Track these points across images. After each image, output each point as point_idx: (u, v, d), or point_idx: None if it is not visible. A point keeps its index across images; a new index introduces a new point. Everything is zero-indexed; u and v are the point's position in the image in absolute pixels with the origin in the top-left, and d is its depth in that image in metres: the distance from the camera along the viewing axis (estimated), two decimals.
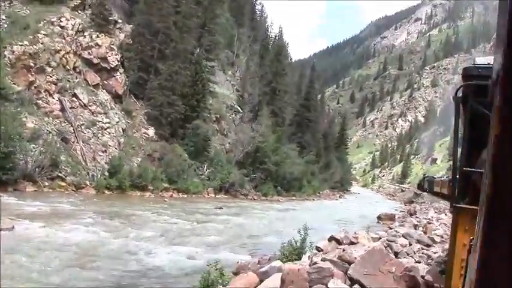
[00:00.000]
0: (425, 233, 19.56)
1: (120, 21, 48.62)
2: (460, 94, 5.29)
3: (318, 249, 15.60)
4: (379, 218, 39.37)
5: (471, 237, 3.79)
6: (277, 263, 10.68)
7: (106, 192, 35.22)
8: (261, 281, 9.89)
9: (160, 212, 27.29)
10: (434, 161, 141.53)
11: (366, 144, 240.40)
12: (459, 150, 5.31)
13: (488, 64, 5.06)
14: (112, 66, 43.61)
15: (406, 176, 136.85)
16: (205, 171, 46.71)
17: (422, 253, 13.06)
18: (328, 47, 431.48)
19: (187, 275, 13.00)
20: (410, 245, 14.87)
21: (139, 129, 44.20)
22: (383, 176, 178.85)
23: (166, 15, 47.28)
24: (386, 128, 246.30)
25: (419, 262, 11.60)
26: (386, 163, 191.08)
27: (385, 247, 12.99)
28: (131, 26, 48.80)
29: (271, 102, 66.30)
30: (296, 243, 13.84)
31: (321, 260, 10.14)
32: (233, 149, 54.85)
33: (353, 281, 8.61)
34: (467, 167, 5.09)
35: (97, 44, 42.74)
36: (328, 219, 36.78)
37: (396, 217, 42.70)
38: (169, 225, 22.43)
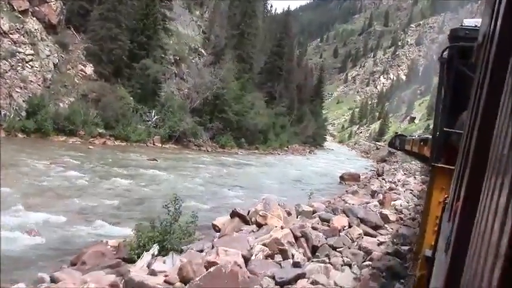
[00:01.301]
0: (382, 204, 14.84)
1: None
2: (445, 55, 5.41)
3: (215, 228, 10.72)
4: (341, 178, 35.02)
5: (446, 196, 4.22)
6: None
7: (19, 135, 29.75)
8: None
9: (67, 162, 22.07)
10: (412, 119, 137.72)
11: (346, 100, 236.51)
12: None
13: (476, 26, 5.01)
14: None
15: (383, 134, 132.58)
16: (153, 117, 41.31)
17: (358, 247, 8.20)
18: None
19: None
20: (349, 226, 10.00)
21: (75, 66, 38.31)
22: (361, 132, 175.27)
23: None
24: (367, 84, 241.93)
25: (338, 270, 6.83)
26: (365, 120, 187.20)
27: (299, 237, 8.13)
28: None
29: (239, 46, 60.28)
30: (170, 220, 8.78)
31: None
32: (191, 94, 49.31)
33: None
34: (448, 128, 5.31)
35: None
36: (283, 178, 32.23)
37: (362, 177, 38.54)
38: (58, 180, 17.31)
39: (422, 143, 43.90)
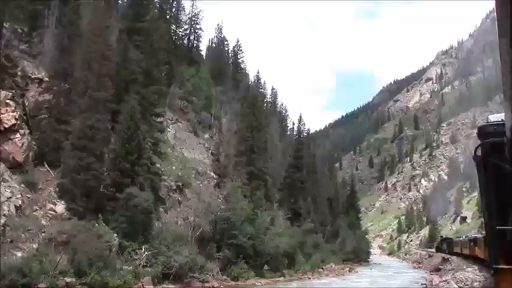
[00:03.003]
0: None
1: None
2: (479, 153, 5.49)
3: None
4: None
5: None
6: None
7: None
8: None
9: None
10: (463, 219, 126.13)
11: (390, 209, 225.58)
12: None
13: (502, 121, 5.15)
14: (7, 126, 33.18)
15: (434, 239, 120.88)
16: (142, 254, 34.59)
17: None
18: (343, 116, 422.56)
19: None
20: None
21: (43, 205, 32.86)
22: (411, 241, 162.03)
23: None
24: (409, 190, 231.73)
25: None
26: (413, 227, 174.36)
27: None
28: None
29: (249, 162, 54.79)
30: None
31: None
32: (194, 222, 42.87)
33: None
34: (500, 225, 5.09)
35: None
36: None
37: None
38: None
39: (472, 244, 36.99)
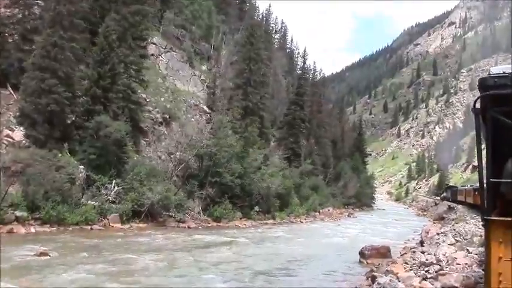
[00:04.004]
0: None
1: None
2: (478, 105, 5.42)
3: None
4: (361, 254, 23.55)
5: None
6: None
7: None
8: None
9: None
10: (475, 168, 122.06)
11: (402, 155, 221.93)
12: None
13: (504, 73, 5.28)
14: None
15: (443, 187, 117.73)
16: (112, 189, 31.44)
17: None
18: (360, 59, 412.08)
19: None
20: None
21: (0, 132, 29.50)
22: (419, 188, 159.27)
23: None
24: (422, 136, 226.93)
25: None
26: (423, 174, 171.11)
27: None
28: None
29: (245, 96, 50.76)
30: None
31: None
32: (180, 157, 39.52)
33: None
34: (494, 178, 5.17)
35: None
36: (275, 258, 21.57)
37: (401, 247, 27.13)
38: None
39: (476, 193, 36.21)
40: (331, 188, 67.68)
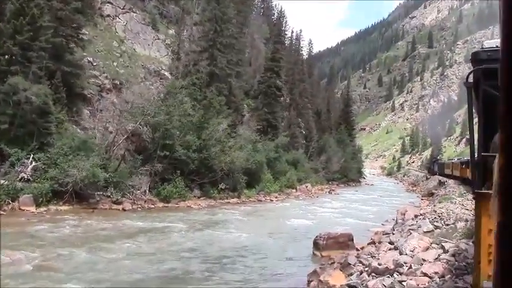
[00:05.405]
0: None
1: None
2: (471, 79, 5.39)
3: None
4: (315, 245, 18.51)
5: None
6: None
7: None
8: None
9: None
10: (469, 141, 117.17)
11: (396, 129, 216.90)
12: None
13: (497, 47, 4.98)
14: None
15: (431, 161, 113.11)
16: (28, 165, 26.08)
17: None
18: (356, 32, 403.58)
19: None
20: None
21: None
22: (412, 162, 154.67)
23: None
24: (417, 110, 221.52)
25: None
26: (417, 148, 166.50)
27: None
28: None
29: (211, 61, 45.08)
30: None
31: None
32: (123, 128, 34.18)
33: None
34: (485, 152, 5.17)
35: None
36: (203, 252, 16.46)
37: (373, 233, 22.16)
38: None
39: (464, 166, 37.61)
40: (314, 163, 62.48)
